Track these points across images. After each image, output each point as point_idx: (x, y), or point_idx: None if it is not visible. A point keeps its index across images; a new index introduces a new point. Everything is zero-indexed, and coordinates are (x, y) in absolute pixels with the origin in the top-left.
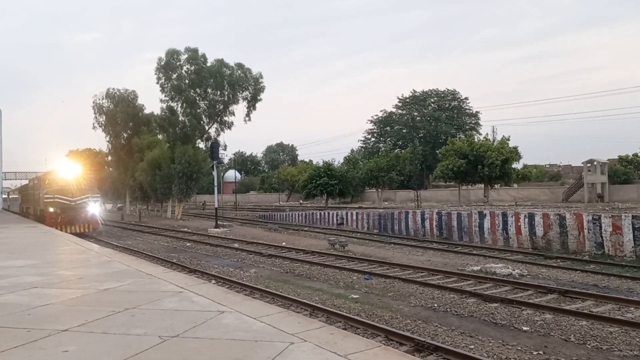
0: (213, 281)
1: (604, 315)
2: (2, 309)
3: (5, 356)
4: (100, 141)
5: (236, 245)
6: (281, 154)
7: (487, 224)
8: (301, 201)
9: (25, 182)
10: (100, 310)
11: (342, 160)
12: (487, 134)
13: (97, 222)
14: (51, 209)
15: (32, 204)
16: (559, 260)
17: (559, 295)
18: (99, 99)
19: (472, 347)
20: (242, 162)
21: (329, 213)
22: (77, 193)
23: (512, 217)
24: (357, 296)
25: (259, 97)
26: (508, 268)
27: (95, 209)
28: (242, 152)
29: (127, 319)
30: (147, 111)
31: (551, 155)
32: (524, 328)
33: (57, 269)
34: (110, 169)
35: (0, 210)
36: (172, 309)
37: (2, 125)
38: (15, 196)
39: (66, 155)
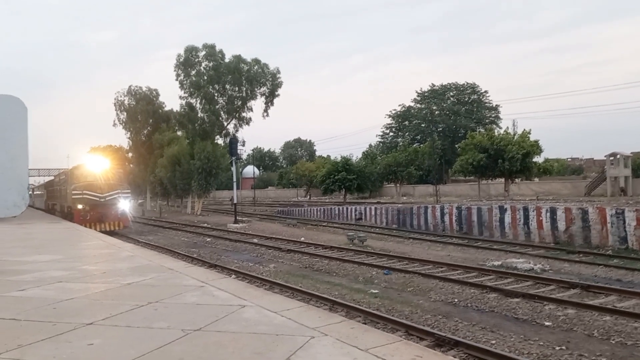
0: (233, 276)
1: (628, 310)
2: (28, 302)
3: (33, 349)
4: (120, 138)
5: (255, 240)
6: (299, 149)
7: (508, 218)
8: (310, 197)
9: (48, 178)
10: (124, 304)
11: (360, 156)
12: (507, 127)
13: (127, 220)
14: (79, 206)
15: (58, 201)
16: (581, 255)
17: (581, 290)
18: (121, 96)
19: (494, 342)
20: (261, 158)
21: (347, 208)
22: (106, 189)
23: (533, 211)
24: (376, 291)
25: (276, 93)
26: (529, 263)
27: (125, 205)
28: (260, 147)
29: (150, 313)
30: (166, 108)
31: (573, 148)
32: (546, 323)
33: (80, 263)
34: (131, 165)
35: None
36: (194, 303)
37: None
38: (39, 192)
39: (88, 151)
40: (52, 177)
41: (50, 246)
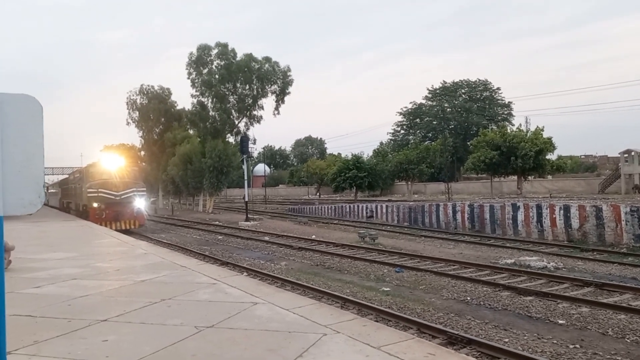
0: (245, 273)
1: None
2: (43, 299)
3: (48, 345)
4: (133, 136)
5: (266, 238)
6: (310, 147)
7: (520, 216)
8: (320, 195)
9: (62, 177)
10: (138, 301)
11: (371, 153)
12: (520, 124)
13: (143, 219)
14: (95, 204)
15: (73, 199)
16: (595, 253)
17: (595, 289)
18: (133, 95)
19: (507, 340)
20: (271, 156)
21: (358, 206)
22: (121, 187)
23: (546, 209)
24: (388, 289)
25: (287, 91)
26: (543, 261)
27: (141, 204)
28: (271, 146)
29: (163, 310)
30: (178, 107)
31: (586, 145)
32: (560, 321)
33: (94, 261)
34: (143, 163)
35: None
36: (207, 300)
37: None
38: (53, 191)
39: (101, 150)
40: (67, 176)
41: (65, 244)
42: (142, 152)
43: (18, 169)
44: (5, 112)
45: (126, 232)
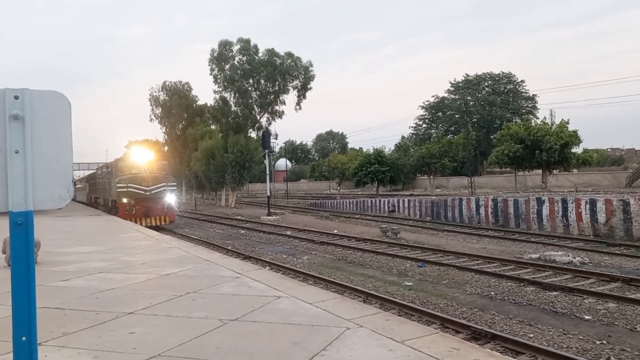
0: (267, 267)
1: None
2: (72, 292)
3: (77, 336)
4: (156, 132)
5: (289, 232)
6: (331, 142)
7: (545, 210)
8: (339, 189)
9: (88, 172)
10: (163, 294)
11: (392, 148)
12: (544, 117)
13: (174, 215)
14: (124, 200)
15: (101, 194)
16: (622, 248)
17: (622, 284)
18: (155, 92)
19: (531, 335)
20: (293, 151)
21: (380, 200)
22: (151, 182)
23: (572, 203)
24: (410, 284)
25: (309, 86)
26: (568, 256)
27: (172, 199)
28: (292, 140)
29: (188, 303)
30: (199, 102)
31: (613, 138)
32: (586, 317)
33: (120, 254)
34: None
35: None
36: (231, 293)
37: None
38: (80, 186)
39: (125, 145)
40: (94, 170)
41: (91, 238)
42: (166, 148)
43: (47, 163)
44: (35, 108)
45: (156, 228)
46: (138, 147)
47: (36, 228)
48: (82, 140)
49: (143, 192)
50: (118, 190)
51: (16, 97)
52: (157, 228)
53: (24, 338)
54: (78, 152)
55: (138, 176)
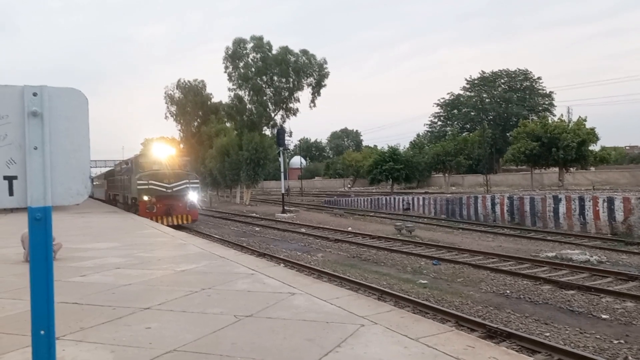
0: (282, 264)
1: None
2: (89, 288)
3: (94, 331)
4: (172, 130)
5: (303, 230)
6: (345, 139)
7: (562, 208)
8: (351, 187)
9: (105, 169)
10: (179, 290)
11: (407, 145)
12: (562, 115)
13: (196, 213)
14: (145, 197)
15: (120, 191)
16: None
17: None
18: (170, 90)
19: (548, 334)
20: (307, 149)
21: (394, 198)
22: (173, 179)
23: (589, 201)
24: (425, 281)
25: (323, 83)
26: (585, 254)
27: (194, 197)
28: (307, 138)
29: (203, 299)
30: (214, 99)
31: (631, 136)
32: (603, 316)
33: (136, 251)
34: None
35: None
36: (245, 290)
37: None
38: (97, 183)
39: (142, 143)
40: (111, 167)
41: (108, 234)
42: (181, 145)
43: (66, 159)
44: (54, 104)
45: (178, 227)
46: (158, 142)
47: (54, 225)
48: (99, 137)
49: (164, 190)
50: (139, 187)
51: (35, 94)
52: (175, 226)
53: (42, 332)
54: (94, 150)
55: (159, 173)
